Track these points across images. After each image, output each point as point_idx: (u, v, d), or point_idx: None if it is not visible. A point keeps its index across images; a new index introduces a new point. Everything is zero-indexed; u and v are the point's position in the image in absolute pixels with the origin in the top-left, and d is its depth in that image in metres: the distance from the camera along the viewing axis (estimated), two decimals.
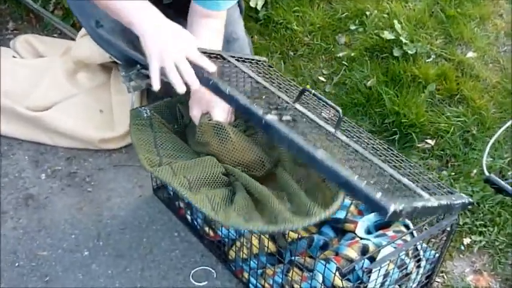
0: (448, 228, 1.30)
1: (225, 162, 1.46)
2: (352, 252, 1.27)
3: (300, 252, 1.36)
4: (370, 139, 1.38)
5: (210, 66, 1.28)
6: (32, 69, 1.94)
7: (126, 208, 1.64)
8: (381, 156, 1.28)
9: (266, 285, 1.37)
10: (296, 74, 2.06)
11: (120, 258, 1.51)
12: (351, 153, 1.23)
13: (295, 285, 1.31)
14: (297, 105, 1.31)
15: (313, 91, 1.31)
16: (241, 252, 1.40)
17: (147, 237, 1.57)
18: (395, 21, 2.12)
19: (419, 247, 1.31)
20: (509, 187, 1.26)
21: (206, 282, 1.47)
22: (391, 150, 1.36)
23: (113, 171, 1.75)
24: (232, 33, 1.70)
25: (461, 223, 1.60)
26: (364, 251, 1.29)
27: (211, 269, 1.49)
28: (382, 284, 1.25)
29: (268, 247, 1.39)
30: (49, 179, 1.72)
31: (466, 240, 1.58)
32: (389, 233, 1.35)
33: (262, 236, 1.37)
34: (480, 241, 1.58)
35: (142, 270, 1.49)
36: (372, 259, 1.23)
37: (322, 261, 1.24)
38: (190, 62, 1.27)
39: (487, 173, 1.49)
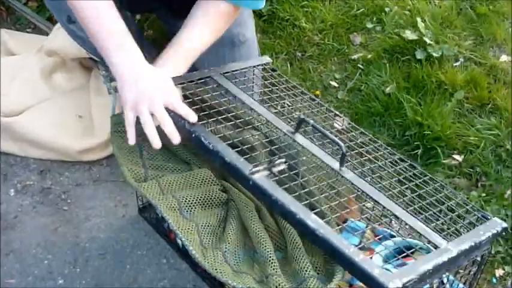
0: (479, 259, 1.30)
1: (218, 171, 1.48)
2: None
3: None
4: (390, 154, 1.40)
5: (191, 116, 1.31)
6: (1, 69, 1.95)
7: (107, 230, 1.64)
8: (395, 188, 1.31)
9: None
10: (304, 78, 2.06)
11: None
12: (357, 197, 1.27)
13: None
14: (298, 137, 1.36)
15: (311, 122, 1.34)
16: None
17: (130, 264, 1.56)
18: (419, 19, 2.13)
19: (445, 280, 1.31)
20: None
21: None
22: (413, 167, 1.37)
23: (92, 187, 1.75)
24: (239, 35, 1.72)
25: (493, 252, 1.60)
26: None
27: None
28: None
29: None
30: (19, 195, 1.72)
31: (499, 272, 1.58)
32: (412, 262, 1.35)
33: None
34: None
35: None
36: None
37: None
38: (170, 111, 1.32)
39: None
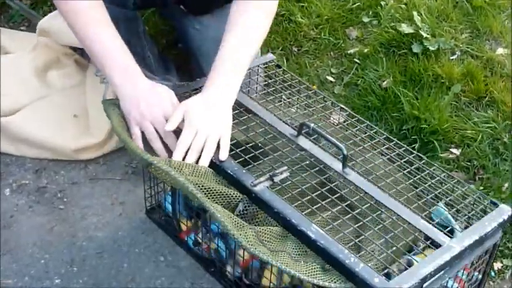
0: (491, 247, 1.31)
1: None
2: (395, 269, 1.24)
3: None
4: (390, 149, 1.43)
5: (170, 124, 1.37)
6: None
7: (104, 228, 1.63)
8: (398, 184, 1.33)
9: None
10: (301, 73, 2.06)
11: (97, 287, 1.50)
12: (359, 199, 1.30)
13: None
14: (301, 140, 1.41)
15: (312, 125, 1.37)
16: (270, 282, 1.38)
17: (128, 262, 1.56)
18: (415, 13, 2.12)
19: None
20: None
21: None
22: (419, 158, 1.41)
23: (88, 185, 1.74)
24: None
25: None
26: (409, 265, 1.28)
27: None
28: None
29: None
30: (14, 194, 1.71)
31: (497, 265, 1.58)
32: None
33: None
34: None
35: None
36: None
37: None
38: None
39: None
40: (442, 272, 1.19)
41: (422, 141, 1.83)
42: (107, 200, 1.71)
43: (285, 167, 1.33)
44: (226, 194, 1.28)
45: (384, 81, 2.00)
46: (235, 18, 1.48)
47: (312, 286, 1.28)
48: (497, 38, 2.14)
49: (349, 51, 2.12)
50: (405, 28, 2.08)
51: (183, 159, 1.33)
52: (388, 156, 1.42)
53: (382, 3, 2.22)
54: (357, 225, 1.23)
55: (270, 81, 1.61)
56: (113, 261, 1.56)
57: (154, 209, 1.66)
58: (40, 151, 1.80)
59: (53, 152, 1.79)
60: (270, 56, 1.67)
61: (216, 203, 1.26)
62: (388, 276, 1.14)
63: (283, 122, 1.47)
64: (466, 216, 1.30)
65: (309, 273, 1.15)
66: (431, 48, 2.04)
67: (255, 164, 1.36)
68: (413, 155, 1.43)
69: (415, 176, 1.36)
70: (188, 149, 1.34)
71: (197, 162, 1.34)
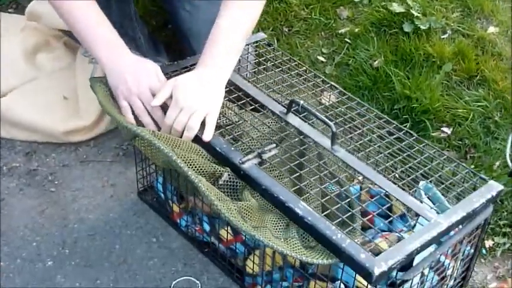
0: (482, 222, 1.31)
1: None
2: (385, 245, 1.24)
3: None
4: (380, 127, 1.42)
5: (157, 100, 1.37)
6: None
7: (95, 210, 1.63)
8: (388, 161, 1.33)
9: None
10: (292, 53, 2.04)
11: (89, 269, 1.50)
12: (349, 176, 1.30)
13: None
14: (290, 117, 1.40)
15: (301, 102, 1.36)
16: (264, 264, 1.38)
17: (120, 244, 1.55)
18: None
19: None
20: None
21: None
22: (409, 135, 1.41)
23: (79, 167, 1.74)
24: None
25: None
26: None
27: (195, 280, 1.48)
28: None
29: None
30: (5, 177, 1.70)
31: (488, 243, 1.58)
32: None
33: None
34: (504, 243, 1.58)
35: (116, 282, 1.47)
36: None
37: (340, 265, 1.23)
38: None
39: (511, 166, 1.50)
40: (433, 247, 1.19)
41: (413, 120, 1.83)
42: (97, 182, 1.70)
43: (274, 145, 1.32)
44: (210, 166, 1.28)
45: (375, 60, 1.99)
46: None
47: (294, 261, 1.30)
48: (488, 17, 2.14)
49: (340, 31, 2.11)
50: (396, 7, 2.07)
51: None
52: (377, 133, 1.41)
53: None
54: (344, 202, 1.23)
55: (260, 59, 1.60)
56: (104, 243, 1.55)
57: (146, 190, 1.66)
58: (30, 134, 1.79)
59: (43, 135, 1.78)
60: (260, 35, 1.66)
61: (200, 175, 1.26)
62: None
63: (273, 99, 1.46)
64: (456, 193, 1.30)
65: (292, 249, 1.15)
66: (422, 27, 2.03)
67: (244, 141, 1.35)
68: (403, 132, 1.42)
69: (404, 153, 1.36)
70: None
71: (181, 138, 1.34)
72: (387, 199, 1.31)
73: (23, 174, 1.71)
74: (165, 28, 2.10)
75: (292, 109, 1.41)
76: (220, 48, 1.41)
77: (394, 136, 1.41)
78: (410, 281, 1.19)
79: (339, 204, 1.22)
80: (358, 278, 1.18)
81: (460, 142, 1.80)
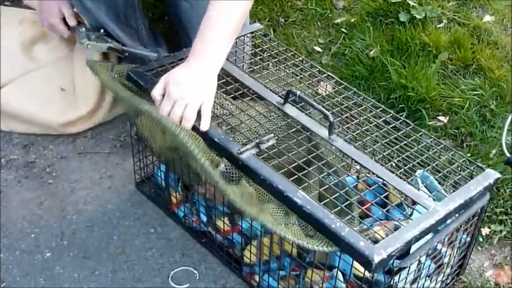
0: (479, 210, 1.31)
1: None
2: (383, 233, 1.23)
3: None
4: (376, 116, 1.42)
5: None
6: None
7: (93, 202, 1.62)
8: (385, 150, 1.33)
9: None
10: (288, 43, 2.03)
11: (87, 260, 1.50)
12: (347, 165, 1.30)
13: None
14: (287, 107, 1.39)
15: (298, 93, 1.35)
16: (262, 254, 1.38)
17: (118, 235, 1.55)
18: None
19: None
20: None
21: (188, 285, 1.46)
22: (406, 124, 1.40)
23: (77, 159, 1.73)
24: None
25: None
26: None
27: (193, 270, 1.48)
28: (414, 280, 1.26)
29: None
30: (3, 170, 1.70)
31: (485, 231, 1.58)
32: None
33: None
34: (500, 231, 1.58)
35: (114, 273, 1.47)
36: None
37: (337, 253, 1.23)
38: None
39: (507, 154, 1.49)
40: (430, 235, 1.19)
41: (410, 109, 1.83)
42: (95, 173, 1.69)
43: (272, 135, 1.31)
44: (210, 153, 1.28)
45: (371, 50, 1.99)
46: None
47: (291, 251, 1.29)
48: (484, 6, 2.13)
49: (336, 21, 2.10)
50: None
51: None
52: (374, 123, 1.41)
53: None
54: (342, 190, 1.23)
55: (257, 50, 1.59)
56: (102, 234, 1.55)
57: (144, 181, 1.66)
58: (28, 126, 1.78)
59: (41, 127, 1.78)
60: (257, 25, 1.65)
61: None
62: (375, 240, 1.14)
63: (270, 90, 1.45)
64: (453, 181, 1.29)
65: (294, 235, 1.15)
66: (418, 16, 2.03)
67: (241, 131, 1.34)
68: (399, 121, 1.42)
69: (401, 142, 1.36)
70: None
71: None
72: (384, 188, 1.31)
73: (21, 166, 1.71)
74: (162, 20, 2.09)
75: (289, 99, 1.40)
76: (210, 39, 1.38)
77: (391, 125, 1.41)
78: (407, 268, 1.19)
79: (337, 194, 1.22)
80: (356, 265, 1.19)
81: (457, 131, 1.79)
